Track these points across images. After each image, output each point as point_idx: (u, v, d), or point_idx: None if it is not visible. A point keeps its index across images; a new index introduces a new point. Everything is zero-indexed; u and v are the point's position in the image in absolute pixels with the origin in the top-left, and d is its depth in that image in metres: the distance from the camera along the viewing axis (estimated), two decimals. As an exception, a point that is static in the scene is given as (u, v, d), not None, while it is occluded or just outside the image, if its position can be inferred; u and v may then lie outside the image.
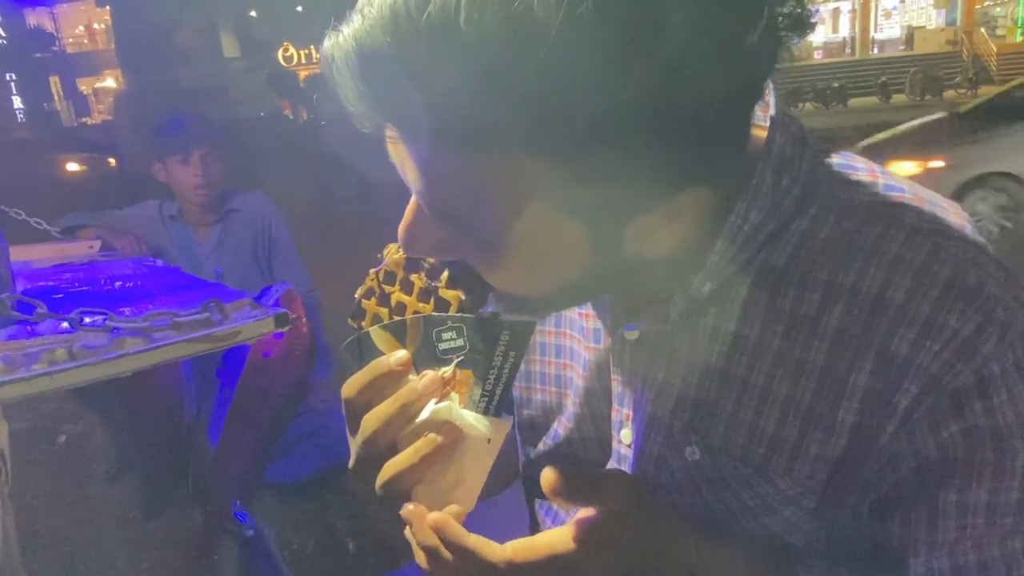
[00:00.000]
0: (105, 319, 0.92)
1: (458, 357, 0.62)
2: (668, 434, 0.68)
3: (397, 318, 0.67)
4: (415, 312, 0.67)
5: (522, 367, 0.85)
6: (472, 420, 0.62)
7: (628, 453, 0.73)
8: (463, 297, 0.65)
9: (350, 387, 0.64)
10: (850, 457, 0.60)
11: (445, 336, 0.63)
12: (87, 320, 0.93)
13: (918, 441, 0.58)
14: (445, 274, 0.66)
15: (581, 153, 0.47)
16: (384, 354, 0.64)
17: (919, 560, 0.60)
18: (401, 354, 0.63)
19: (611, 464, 0.76)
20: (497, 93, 0.44)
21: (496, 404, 0.63)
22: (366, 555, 2.67)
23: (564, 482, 0.58)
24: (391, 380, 0.63)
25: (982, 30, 22.99)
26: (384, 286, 0.70)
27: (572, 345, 0.79)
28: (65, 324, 0.93)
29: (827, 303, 0.60)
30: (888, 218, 0.60)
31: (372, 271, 0.71)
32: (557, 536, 0.59)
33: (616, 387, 0.73)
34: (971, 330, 0.56)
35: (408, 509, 0.61)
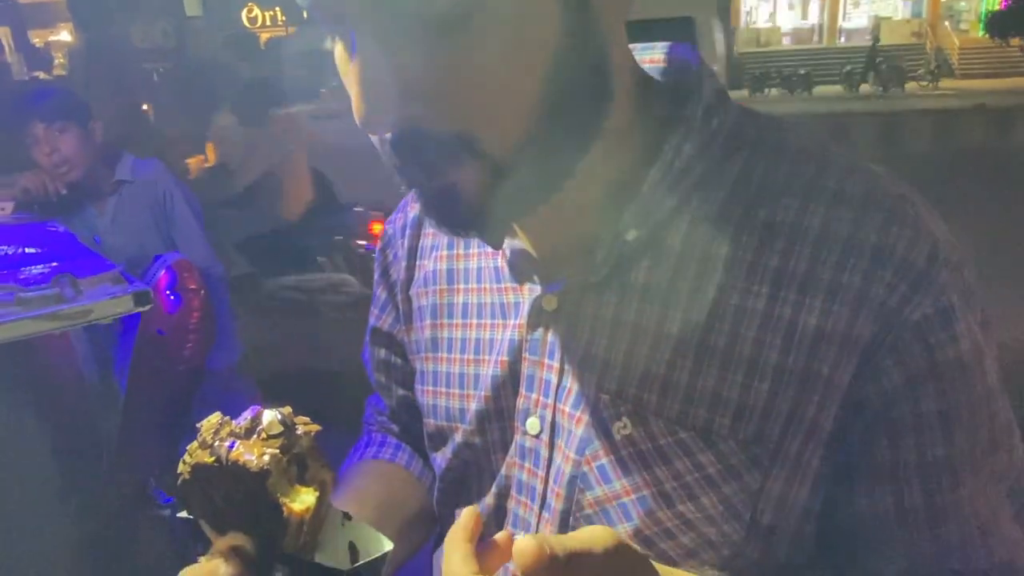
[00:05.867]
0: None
1: None
2: (593, 411, 0.61)
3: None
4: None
5: (428, 368, 0.76)
6: None
7: (535, 445, 0.66)
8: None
9: None
10: (802, 410, 0.56)
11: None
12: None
13: (884, 382, 0.55)
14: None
15: None
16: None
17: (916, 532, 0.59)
18: None
19: (512, 461, 0.68)
20: None
21: None
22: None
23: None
24: None
25: (946, 24, 23.28)
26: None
27: (483, 336, 0.71)
28: None
29: (765, 244, 0.56)
30: (821, 158, 0.59)
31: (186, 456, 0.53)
32: None
33: (526, 368, 0.66)
34: (923, 260, 0.54)
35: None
